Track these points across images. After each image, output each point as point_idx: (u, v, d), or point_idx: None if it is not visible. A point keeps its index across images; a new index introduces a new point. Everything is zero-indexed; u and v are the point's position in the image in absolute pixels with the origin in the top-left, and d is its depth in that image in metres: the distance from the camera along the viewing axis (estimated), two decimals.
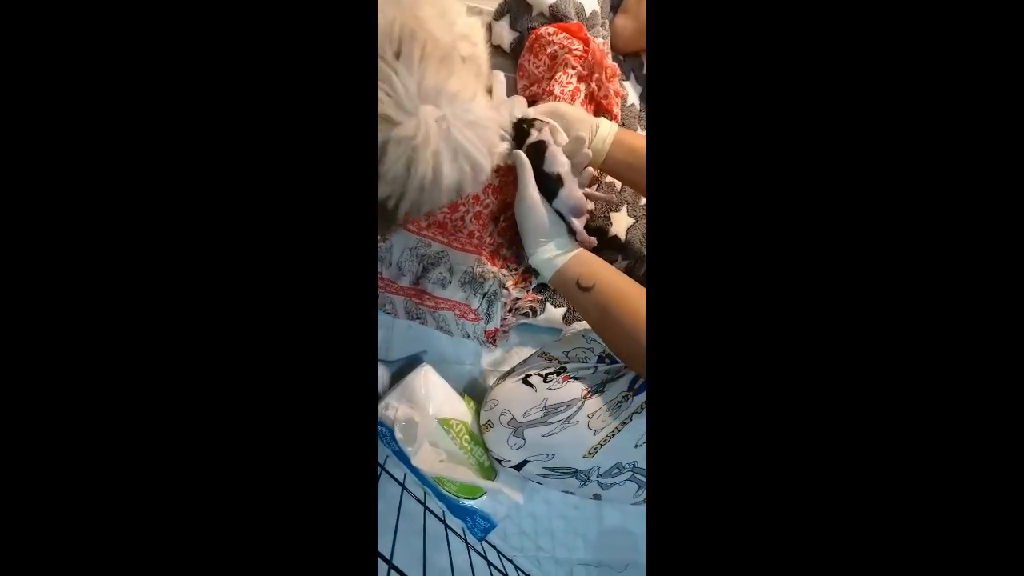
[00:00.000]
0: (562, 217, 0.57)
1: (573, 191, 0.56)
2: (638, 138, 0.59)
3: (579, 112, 0.59)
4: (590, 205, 0.62)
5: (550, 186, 0.56)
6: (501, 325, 0.72)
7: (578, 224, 0.56)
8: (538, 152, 0.56)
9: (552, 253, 0.54)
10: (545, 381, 0.57)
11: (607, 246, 0.70)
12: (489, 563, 0.66)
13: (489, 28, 0.73)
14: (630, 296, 0.51)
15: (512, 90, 0.74)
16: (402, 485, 0.64)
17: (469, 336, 0.70)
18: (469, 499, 0.63)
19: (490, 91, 0.60)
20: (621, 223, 0.72)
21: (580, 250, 0.55)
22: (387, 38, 0.44)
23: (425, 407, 0.64)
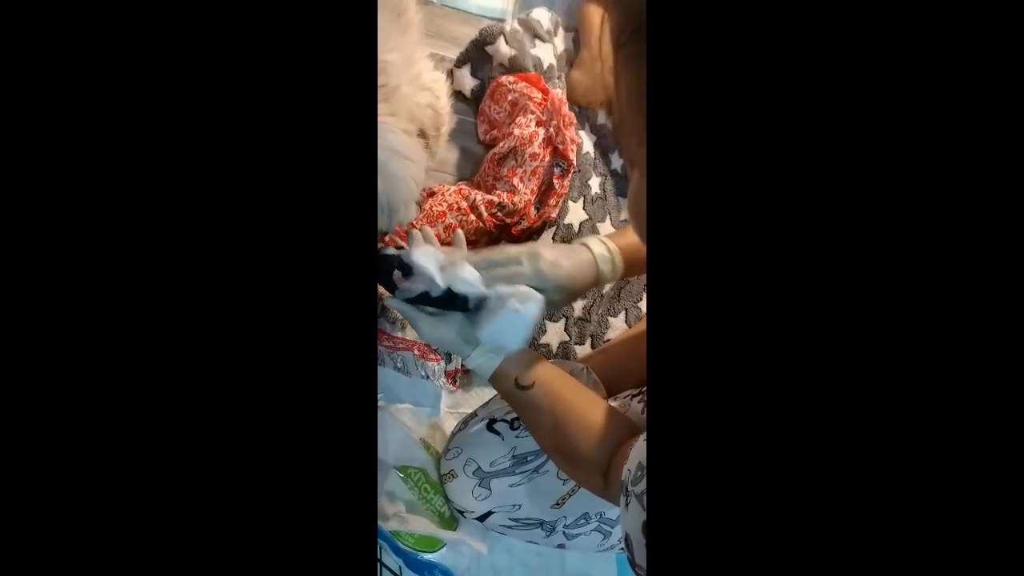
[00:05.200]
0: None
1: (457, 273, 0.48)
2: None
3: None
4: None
5: (453, 305, 0.49)
6: (461, 365, 0.70)
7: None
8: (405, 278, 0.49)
9: (484, 356, 0.49)
10: (512, 428, 0.56)
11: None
12: None
13: (451, 75, 0.74)
14: (572, 394, 0.48)
15: (470, 135, 0.75)
16: None
17: (428, 377, 0.68)
18: (428, 552, 0.60)
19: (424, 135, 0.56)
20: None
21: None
22: None
23: (382, 455, 0.61)
